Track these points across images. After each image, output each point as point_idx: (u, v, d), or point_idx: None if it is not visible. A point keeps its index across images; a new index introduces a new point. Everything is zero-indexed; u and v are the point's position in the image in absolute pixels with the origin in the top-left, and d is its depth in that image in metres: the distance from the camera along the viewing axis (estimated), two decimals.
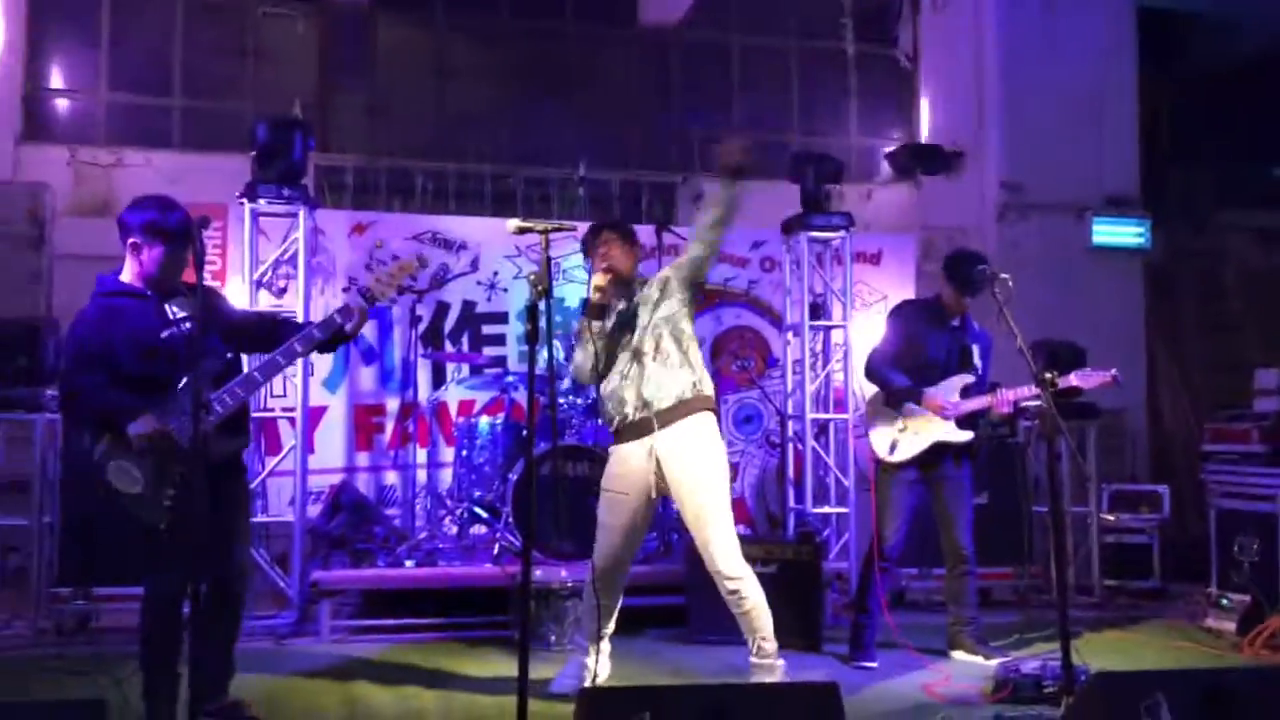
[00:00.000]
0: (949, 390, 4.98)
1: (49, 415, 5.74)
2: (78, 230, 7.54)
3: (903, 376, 4.99)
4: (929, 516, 5.21)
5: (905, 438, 4.98)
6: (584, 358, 4.38)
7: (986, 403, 4.94)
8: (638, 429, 4.26)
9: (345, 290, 6.94)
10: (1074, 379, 4.87)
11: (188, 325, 3.72)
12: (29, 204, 7.33)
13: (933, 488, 5.10)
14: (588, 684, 4.19)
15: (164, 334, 3.72)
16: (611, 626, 4.43)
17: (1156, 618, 6.20)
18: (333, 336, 3.87)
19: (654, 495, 4.34)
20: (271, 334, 3.95)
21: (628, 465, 4.29)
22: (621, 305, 4.40)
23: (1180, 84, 9.35)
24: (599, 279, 4.33)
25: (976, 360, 5.09)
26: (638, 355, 4.29)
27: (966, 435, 4.98)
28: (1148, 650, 5.40)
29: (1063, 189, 8.47)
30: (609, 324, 4.37)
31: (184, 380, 3.63)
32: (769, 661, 4.24)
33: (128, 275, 3.78)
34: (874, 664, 4.97)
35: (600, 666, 4.29)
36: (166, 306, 3.76)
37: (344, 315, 3.83)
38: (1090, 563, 6.84)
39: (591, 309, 4.35)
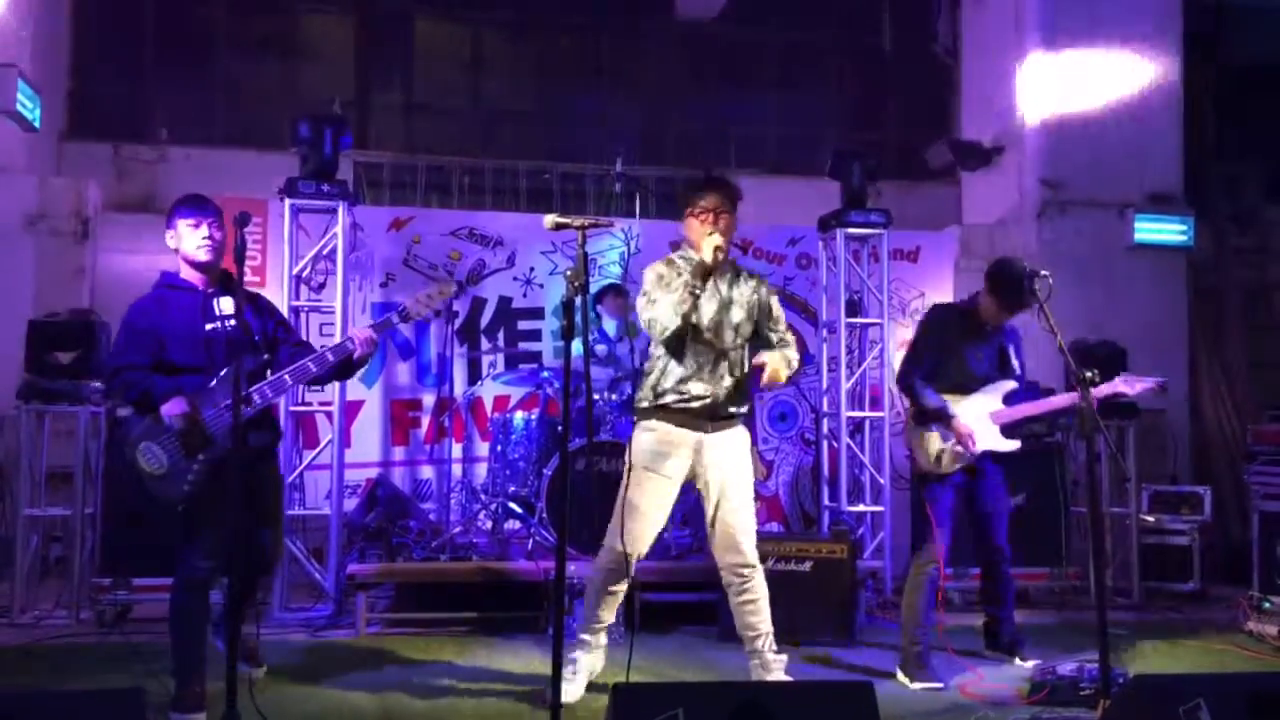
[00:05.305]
0: (992, 397, 4.85)
1: (92, 408, 5.83)
2: (121, 226, 7.65)
3: (936, 395, 4.76)
4: (963, 517, 5.14)
5: (950, 448, 4.76)
6: (674, 307, 4.04)
7: (1071, 400, 4.71)
8: (693, 417, 4.20)
9: (383, 285, 7.00)
10: (1120, 385, 4.77)
11: (231, 323, 3.98)
12: (73, 200, 7.44)
13: (969, 488, 5.01)
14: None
15: (208, 327, 3.99)
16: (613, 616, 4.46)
17: (1196, 621, 6.11)
18: (343, 361, 4.10)
19: (682, 483, 4.30)
20: (292, 356, 4.13)
21: (674, 448, 4.19)
22: (724, 288, 4.28)
23: (1225, 77, 9.18)
24: (719, 240, 4.08)
25: (1014, 361, 4.98)
26: (724, 355, 4.23)
27: (1014, 445, 4.84)
28: (1187, 654, 5.33)
29: (1104, 185, 8.34)
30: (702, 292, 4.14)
31: (222, 373, 3.88)
32: (781, 656, 4.23)
33: (184, 272, 4.08)
34: (941, 684, 4.60)
35: (596, 660, 4.42)
36: (214, 303, 4.02)
37: (339, 351, 4.07)
38: (1129, 564, 6.76)
39: (706, 271, 4.07)
